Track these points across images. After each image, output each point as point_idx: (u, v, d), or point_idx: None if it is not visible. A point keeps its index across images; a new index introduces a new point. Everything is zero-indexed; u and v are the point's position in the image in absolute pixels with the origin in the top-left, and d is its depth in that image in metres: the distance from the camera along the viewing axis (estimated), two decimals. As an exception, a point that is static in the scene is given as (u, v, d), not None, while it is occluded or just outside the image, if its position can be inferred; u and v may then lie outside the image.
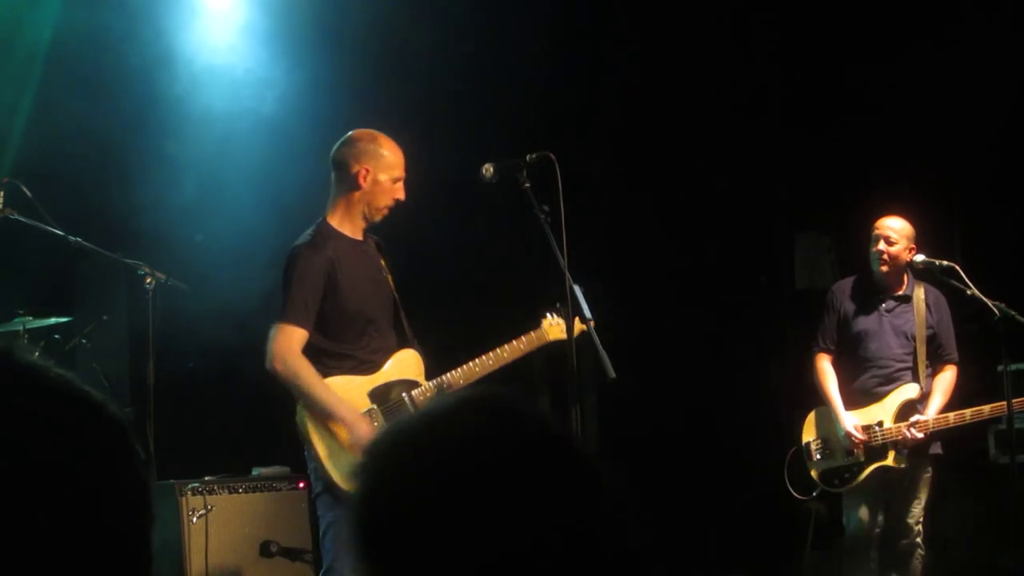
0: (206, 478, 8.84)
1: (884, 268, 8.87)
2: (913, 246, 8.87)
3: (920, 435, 8.61)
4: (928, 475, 8.84)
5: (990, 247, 10.16)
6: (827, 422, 8.99)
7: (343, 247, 6.86)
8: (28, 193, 8.14)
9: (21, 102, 9.61)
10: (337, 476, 6.60)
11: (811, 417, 9.12)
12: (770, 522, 10.52)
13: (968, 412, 8.59)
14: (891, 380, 8.86)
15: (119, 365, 9.92)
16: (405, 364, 6.93)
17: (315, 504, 6.85)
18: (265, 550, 8.88)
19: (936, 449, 8.82)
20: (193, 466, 8.96)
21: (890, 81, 10.90)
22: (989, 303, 8.36)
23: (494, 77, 10.69)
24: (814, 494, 9.01)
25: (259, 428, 10.46)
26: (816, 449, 9.03)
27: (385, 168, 6.81)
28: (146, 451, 8.53)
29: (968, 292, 8.46)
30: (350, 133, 6.96)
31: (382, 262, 7.07)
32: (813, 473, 9.02)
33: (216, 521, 8.67)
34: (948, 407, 8.73)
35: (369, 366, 6.84)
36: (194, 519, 8.57)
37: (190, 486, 8.64)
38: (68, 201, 8.87)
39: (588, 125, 10.93)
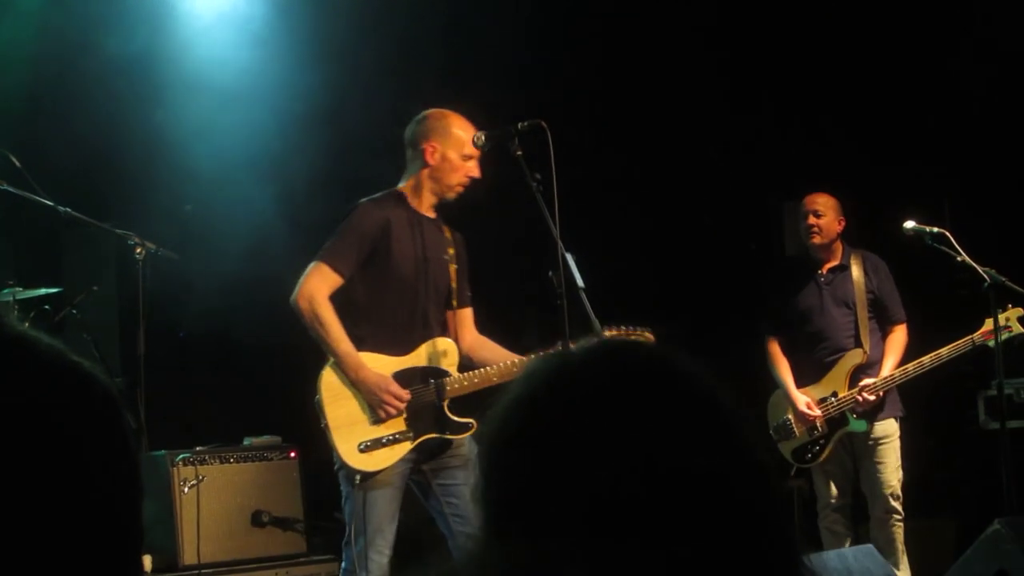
0: (197, 448, 8.84)
1: (816, 240, 9.04)
2: (842, 218, 9.07)
3: (871, 397, 8.72)
4: (892, 439, 8.91)
5: (980, 214, 10.15)
6: (785, 403, 9.13)
7: (406, 215, 6.82)
8: (17, 163, 8.13)
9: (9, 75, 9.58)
10: (345, 452, 6.57)
11: (772, 399, 9.25)
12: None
13: (926, 358, 8.69)
14: (838, 350, 8.98)
15: (109, 335, 9.94)
16: (440, 352, 6.80)
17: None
18: (257, 520, 8.88)
19: (896, 411, 8.89)
20: (184, 436, 8.96)
21: (880, 51, 10.89)
22: (980, 269, 8.38)
23: (483, 48, 10.69)
24: (792, 473, 9.13)
25: (250, 398, 10.50)
26: (782, 429, 9.12)
27: (454, 145, 6.78)
28: (137, 421, 8.56)
29: (958, 259, 8.48)
30: (423, 112, 6.94)
31: (451, 250, 6.99)
32: (785, 452, 9.11)
33: (207, 491, 8.67)
34: (907, 361, 8.80)
35: (402, 345, 6.75)
36: (185, 489, 8.57)
37: (181, 456, 8.64)
38: (57, 171, 8.87)
39: (578, 94, 10.91)
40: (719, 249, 11.49)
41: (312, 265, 6.64)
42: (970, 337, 8.60)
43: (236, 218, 9.75)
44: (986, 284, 8.36)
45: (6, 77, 9.48)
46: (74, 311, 8.91)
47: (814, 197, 9.09)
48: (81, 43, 9.62)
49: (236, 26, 10.22)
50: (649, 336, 6.99)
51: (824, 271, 9.11)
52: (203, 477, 8.66)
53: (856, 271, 9.05)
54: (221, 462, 8.86)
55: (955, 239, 8.54)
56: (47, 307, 8.78)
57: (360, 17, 10.23)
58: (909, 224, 8.70)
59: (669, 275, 11.47)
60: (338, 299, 6.62)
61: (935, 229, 8.64)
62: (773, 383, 9.20)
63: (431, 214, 6.93)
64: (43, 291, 8.75)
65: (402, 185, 6.94)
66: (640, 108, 11.25)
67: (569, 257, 6.23)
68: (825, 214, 9.00)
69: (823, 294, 9.07)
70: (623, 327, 6.99)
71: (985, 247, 8.65)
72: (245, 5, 10.24)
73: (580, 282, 6.19)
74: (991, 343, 8.51)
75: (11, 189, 8.11)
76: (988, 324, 8.52)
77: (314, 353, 7.05)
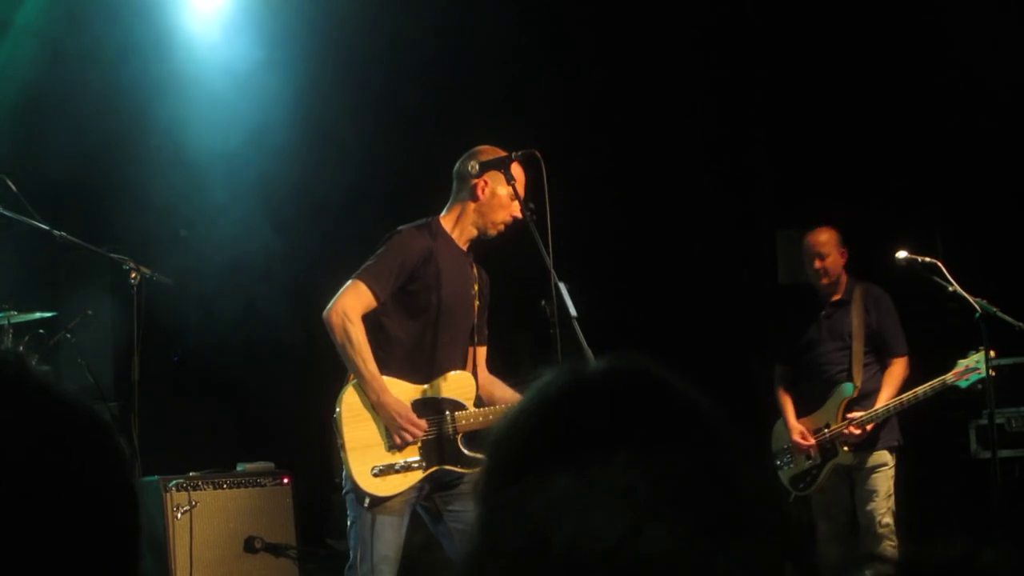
0: (190, 474, 8.84)
1: (825, 281, 9.13)
2: (844, 249, 9.13)
3: (856, 432, 8.79)
4: (885, 467, 8.99)
5: (972, 245, 10.18)
6: (786, 432, 9.26)
7: (446, 247, 6.80)
8: (13, 187, 8.14)
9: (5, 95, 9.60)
10: (358, 474, 6.53)
11: (776, 427, 9.39)
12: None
13: (906, 396, 8.74)
14: (832, 383, 9.08)
15: (103, 360, 9.93)
16: (458, 385, 6.79)
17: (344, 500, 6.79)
18: (249, 546, 8.89)
19: (892, 441, 8.95)
20: (178, 461, 8.95)
21: (875, 81, 10.92)
22: (971, 300, 8.42)
23: (477, 75, 10.73)
24: (789, 500, 9.21)
25: (244, 423, 10.50)
26: (781, 457, 9.28)
27: (504, 184, 6.74)
28: (130, 446, 8.54)
29: (950, 289, 8.51)
30: (476, 147, 6.89)
31: (475, 286, 7.00)
32: (784, 479, 9.27)
33: (200, 517, 8.68)
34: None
35: (423, 374, 6.74)
36: (178, 515, 8.58)
37: (174, 482, 8.64)
38: (53, 196, 8.89)
39: (570, 121, 10.93)
40: (712, 276, 11.49)
41: (349, 283, 6.60)
42: (942, 378, 8.66)
43: (231, 244, 9.75)
44: (977, 314, 8.40)
45: (1, 97, 9.51)
46: (68, 335, 8.91)
47: (816, 237, 9.12)
48: (77, 67, 9.63)
49: (236, 50, 10.25)
50: None
51: (826, 305, 9.20)
52: (196, 503, 8.66)
53: (857, 305, 9.11)
54: (214, 488, 8.86)
55: (947, 270, 8.57)
56: (42, 331, 8.77)
57: (352, 46, 10.26)
58: (901, 254, 8.73)
59: (662, 303, 11.47)
60: (367, 321, 6.62)
61: (927, 259, 8.67)
62: (771, 411, 9.31)
63: (465, 248, 6.93)
64: (38, 315, 8.74)
65: (443, 216, 6.91)
66: (633, 136, 11.27)
67: (563, 286, 6.24)
68: (829, 253, 9.07)
69: (822, 328, 9.17)
70: None
71: (976, 278, 8.68)
72: (247, 29, 10.26)
73: (573, 311, 6.19)
74: (962, 383, 8.59)
75: (7, 213, 8.12)
76: (959, 365, 8.61)
77: (310, 381, 7.08)
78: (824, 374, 9.12)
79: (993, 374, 8.51)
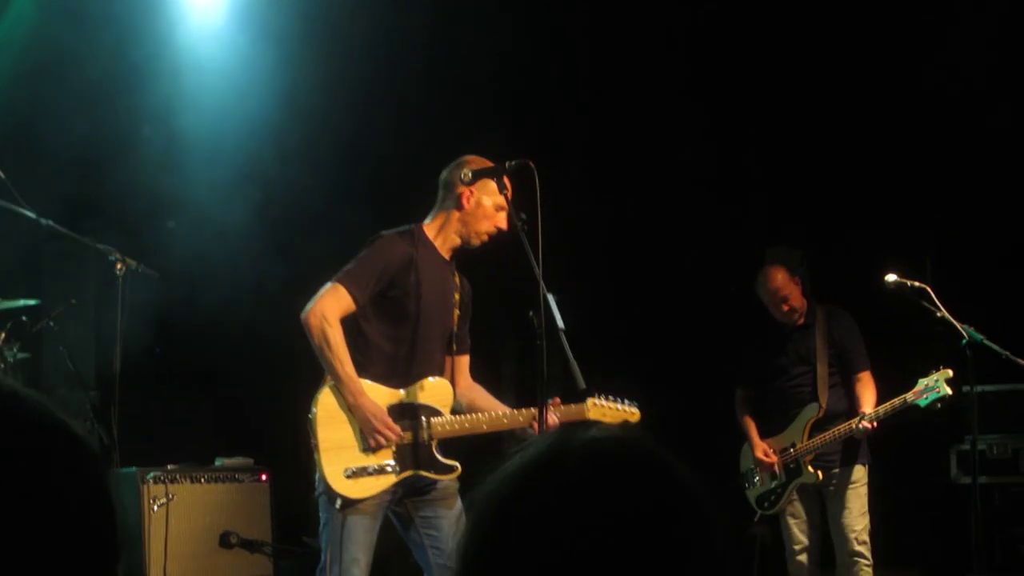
0: (168, 467, 8.82)
1: (795, 316, 9.24)
2: (796, 278, 9.25)
3: (868, 425, 8.74)
4: (857, 483, 9.05)
5: (961, 272, 10.17)
6: (750, 452, 9.35)
7: (427, 255, 6.82)
8: (1, 175, 8.11)
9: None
10: (331, 475, 6.53)
11: (744, 448, 9.45)
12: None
13: (880, 408, 8.74)
14: (798, 403, 9.16)
15: (86, 349, 9.91)
16: (435, 392, 6.79)
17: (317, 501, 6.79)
18: (225, 541, 8.88)
19: (864, 458, 9.04)
20: (156, 454, 8.93)
21: (866, 98, 10.91)
22: (958, 326, 8.43)
23: (470, 81, 10.72)
24: (755, 519, 9.26)
25: (224, 418, 10.47)
26: (748, 477, 9.37)
27: (490, 193, 6.76)
28: (109, 437, 8.52)
29: (938, 314, 8.52)
30: (463, 157, 6.90)
31: (456, 295, 6.99)
32: (750, 498, 9.36)
33: (177, 510, 8.67)
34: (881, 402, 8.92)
35: (401, 379, 6.74)
36: (155, 507, 8.56)
37: (152, 474, 8.63)
38: (40, 184, 8.85)
39: (558, 133, 10.91)
40: (700, 291, 11.48)
41: (329, 285, 6.60)
42: (903, 396, 8.69)
43: (218, 239, 9.73)
44: (964, 341, 8.41)
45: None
46: (51, 324, 8.88)
47: (773, 284, 9.19)
48: (70, 56, 9.60)
49: (227, 41, 10.23)
50: (636, 412, 7.15)
51: (791, 331, 9.26)
52: (173, 496, 8.65)
53: (820, 328, 9.20)
54: (191, 481, 8.85)
55: (936, 294, 8.57)
56: (25, 319, 8.74)
57: (346, 40, 10.24)
58: (891, 277, 8.74)
59: (649, 317, 11.46)
60: (346, 324, 6.61)
61: (916, 284, 8.68)
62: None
63: (447, 256, 6.93)
64: (21, 302, 8.71)
65: (427, 223, 6.92)
66: (625, 150, 11.26)
67: (551, 297, 6.22)
68: (790, 293, 9.17)
69: (787, 350, 9.24)
70: (611, 398, 7.05)
71: (965, 305, 8.68)
72: (239, 18, 10.23)
73: (560, 323, 6.18)
74: (920, 402, 8.62)
75: (-6, 201, 8.11)
76: (920, 384, 8.64)
77: (292, 378, 7.05)
78: (791, 396, 9.19)
79: (951, 392, 8.52)
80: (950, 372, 8.54)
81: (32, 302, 8.82)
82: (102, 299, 9.30)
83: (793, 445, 9.08)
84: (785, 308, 9.15)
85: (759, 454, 9.18)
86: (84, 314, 9.73)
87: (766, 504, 9.24)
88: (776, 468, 9.13)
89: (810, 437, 9.01)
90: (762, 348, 9.39)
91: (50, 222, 8.38)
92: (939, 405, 8.63)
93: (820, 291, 9.42)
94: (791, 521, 9.21)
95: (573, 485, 1.68)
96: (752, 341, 9.57)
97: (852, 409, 8.94)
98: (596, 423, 6.98)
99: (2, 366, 8.37)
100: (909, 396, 8.64)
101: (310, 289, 6.66)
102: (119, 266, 8.45)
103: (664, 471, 1.74)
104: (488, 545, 1.71)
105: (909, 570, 10.23)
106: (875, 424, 8.74)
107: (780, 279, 9.16)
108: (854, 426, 8.79)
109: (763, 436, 9.26)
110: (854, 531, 8.96)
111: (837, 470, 9.03)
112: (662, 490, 1.71)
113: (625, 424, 7.05)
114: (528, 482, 1.72)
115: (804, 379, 9.16)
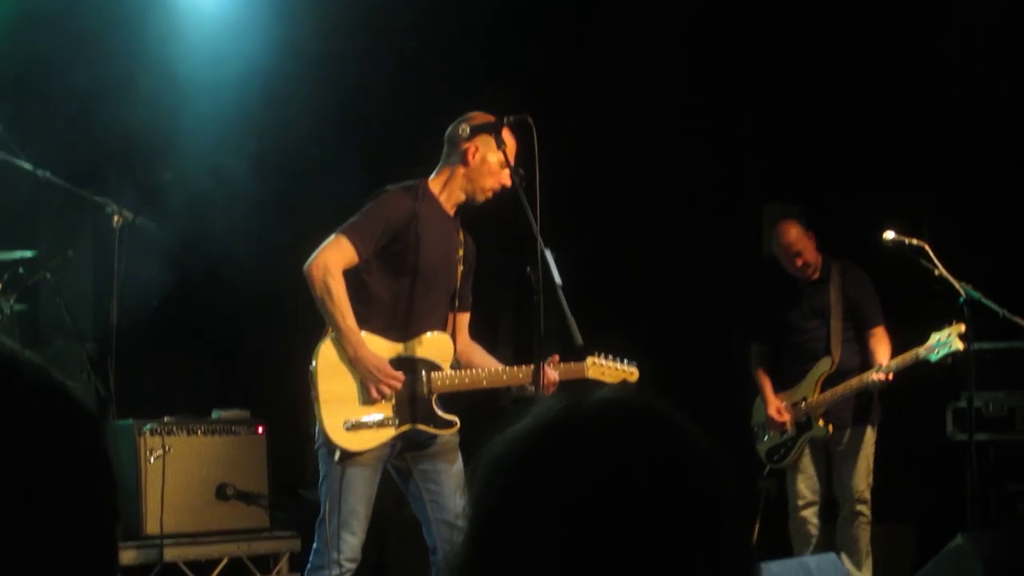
0: (165, 419, 8.82)
1: (809, 271, 9.27)
2: (810, 233, 9.25)
3: (883, 377, 8.78)
4: (867, 442, 9.14)
5: (959, 229, 10.16)
6: (763, 406, 9.41)
7: (432, 211, 6.80)
8: (-1, 125, 8.11)
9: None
10: (330, 427, 6.57)
11: (756, 402, 9.52)
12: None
13: (893, 362, 8.79)
14: (811, 358, 9.22)
15: (83, 302, 9.89)
16: (435, 346, 6.81)
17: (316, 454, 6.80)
18: (221, 493, 8.88)
19: (875, 418, 9.14)
20: (153, 406, 8.93)
21: (864, 56, 10.88)
22: (956, 284, 8.44)
23: (470, 42, 10.70)
24: (764, 473, 9.31)
25: (221, 371, 10.46)
26: (759, 430, 9.45)
27: (495, 150, 6.73)
28: (106, 389, 8.53)
29: (936, 272, 8.52)
30: (469, 113, 6.88)
31: (460, 251, 6.99)
32: (760, 452, 9.45)
33: (173, 462, 8.67)
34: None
35: (402, 332, 6.76)
36: (151, 459, 8.56)
37: (148, 426, 8.62)
38: (36, 135, 8.82)
39: (553, 88, 10.86)
40: (696, 248, 11.47)
41: (332, 237, 6.61)
42: (915, 350, 8.71)
43: (215, 190, 9.70)
44: (961, 299, 8.42)
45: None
46: (48, 276, 8.85)
47: (787, 238, 9.22)
48: (66, 3, 9.55)
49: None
50: (635, 372, 7.14)
51: (804, 285, 9.28)
52: (169, 448, 8.65)
53: (835, 282, 9.22)
54: (188, 433, 8.85)
55: (934, 252, 8.58)
56: (21, 270, 8.71)
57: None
58: (889, 235, 8.74)
59: (646, 273, 11.44)
60: (349, 277, 6.61)
61: (914, 241, 8.68)
62: (748, 382, 9.41)
63: (451, 212, 6.92)
64: (17, 254, 8.68)
65: (432, 179, 6.91)
66: (621, 106, 11.22)
67: (548, 254, 6.22)
68: (804, 248, 9.18)
69: (802, 305, 9.26)
70: (610, 357, 7.05)
71: (962, 262, 8.68)
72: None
73: (558, 279, 6.19)
74: (932, 356, 8.64)
75: (-9, 152, 8.09)
76: (932, 338, 8.66)
77: (289, 331, 7.06)
78: (804, 350, 9.24)
79: (963, 347, 8.53)
80: (963, 327, 8.54)
81: (29, 254, 8.79)
82: (99, 251, 9.27)
83: (804, 399, 9.14)
84: (799, 263, 9.17)
85: (771, 411, 9.23)
86: (81, 266, 9.71)
87: (776, 458, 9.32)
88: (787, 424, 9.18)
89: (822, 391, 9.06)
90: (776, 302, 9.42)
91: (47, 173, 8.37)
92: (950, 360, 8.67)
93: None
94: (798, 476, 9.28)
95: (583, 446, 1.69)
96: (766, 295, 9.64)
97: (865, 364, 8.98)
98: (604, 385, 7.04)
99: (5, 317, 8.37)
100: (921, 350, 8.68)
101: (308, 240, 6.67)
102: (116, 218, 8.44)
103: (673, 431, 1.74)
104: (498, 507, 1.71)
105: (905, 526, 10.25)
106: (890, 377, 8.77)
107: (794, 233, 9.17)
108: (871, 378, 8.81)
109: (776, 391, 9.31)
110: (859, 490, 9.09)
111: (848, 429, 9.11)
112: (671, 449, 1.71)
113: (624, 384, 7.08)
114: (537, 444, 1.72)
115: (817, 333, 9.20)
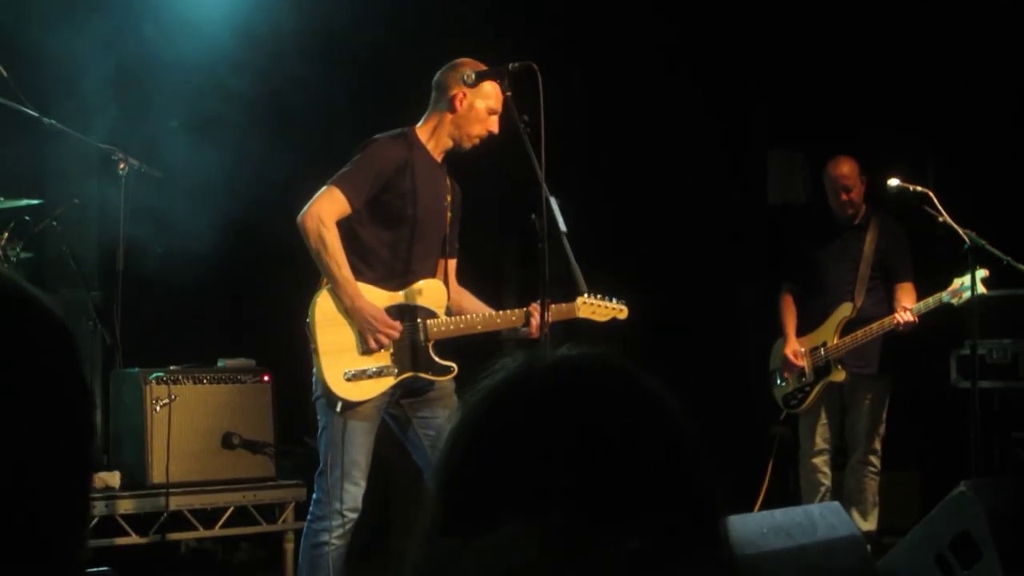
0: (171, 367, 8.83)
1: (851, 211, 9.28)
2: (864, 178, 9.27)
3: (910, 319, 8.83)
4: (877, 394, 9.22)
5: (964, 177, 10.15)
6: (782, 349, 9.42)
7: (421, 158, 6.84)
8: (4, 72, 8.09)
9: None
10: (330, 378, 6.60)
11: (775, 346, 9.55)
12: (731, 446, 10.61)
13: (945, 293, 8.78)
14: (833, 302, 9.26)
15: (89, 249, 9.89)
16: (430, 293, 6.86)
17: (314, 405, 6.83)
18: (227, 441, 8.89)
19: (888, 366, 9.25)
20: (159, 355, 8.94)
21: (869, 6, 10.85)
22: (960, 231, 8.44)
23: None
24: (780, 418, 9.34)
25: (227, 319, 10.46)
26: (777, 375, 9.46)
27: (482, 96, 6.79)
28: (112, 337, 8.55)
29: (940, 219, 8.53)
30: (456, 60, 6.92)
31: (449, 197, 7.02)
32: (777, 397, 9.48)
33: (179, 411, 8.67)
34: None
35: (396, 282, 6.80)
36: (157, 408, 8.58)
37: (155, 375, 8.63)
38: (42, 82, 8.82)
39: (558, 36, 10.82)
40: (703, 196, 11.46)
41: (325, 188, 6.64)
42: (939, 295, 8.73)
43: (222, 138, 9.68)
44: (966, 246, 8.42)
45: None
46: (54, 223, 8.85)
47: (840, 170, 9.24)
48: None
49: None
50: (624, 309, 7.21)
51: (842, 229, 9.33)
52: (175, 396, 8.66)
53: (872, 231, 9.25)
54: (194, 382, 8.86)
55: (938, 199, 8.58)
56: (27, 218, 8.72)
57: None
58: (893, 182, 8.75)
59: (651, 220, 11.44)
60: (341, 228, 6.63)
61: (918, 188, 8.68)
62: (754, 332, 9.45)
63: (439, 159, 6.95)
64: (24, 202, 8.69)
65: (419, 126, 6.95)
66: (627, 53, 11.18)
67: (553, 201, 6.23)
68: (854, 185, 9.21)
69: (835, 248, 9.30)
70: (600, 296, 7.08)
71: (967, 209, 8.68)
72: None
73: (563, 227, 6.20)
74: (955, 301, 8.66)
75: (-2, 99, 8.09)
76: (955, 283, 8.69)
77: (294, 279, 7.07)
78: (828, 293, 9.27)
79: (986, 292, 8.54)
80: (986, 272, 8.55)
81: (35, 202, 8.79)
82: (105, 199, 9.26)
83: (824, 344, 9.17)
84: (845, 198, 9.19)
85: (788, 351, 9.27)
86: (87, 214, 9.71)
87: (793, 402, 9.35)
88: (805, 368, 9.20)
89: (842, 337, 9.08)
90: (810, 243, 9.45)
91: (53, 121, 8.37)
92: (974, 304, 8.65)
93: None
94: (812, 423, 9.33)
95: (540, 400, 1.73)
96: (799, 236, 9.66)
97: (887, 314, 8.97)
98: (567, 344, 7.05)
99: (6, 265, 8.37)
100: (945, 294, 8.73)
101: (311, 189, 6.67)
102: (122, 166, 8.46)
103: (630, 383, 1.77)
104: (462, 463, 1.74)
105: (909, 473, 10.29)
106: (916, 319, 8.81)
107: (848, 168, 9.20)
108: (895, 320, 8.84)
109: (799, 332, 9.34)
110: (869, 439, 9.16)
111: (864, 379, 9.18)
112: (627, 402, 1.74)
113: (614, 321, 7.14)
114: (499, 400, 1.75)
115: (844, 277, 9.23)
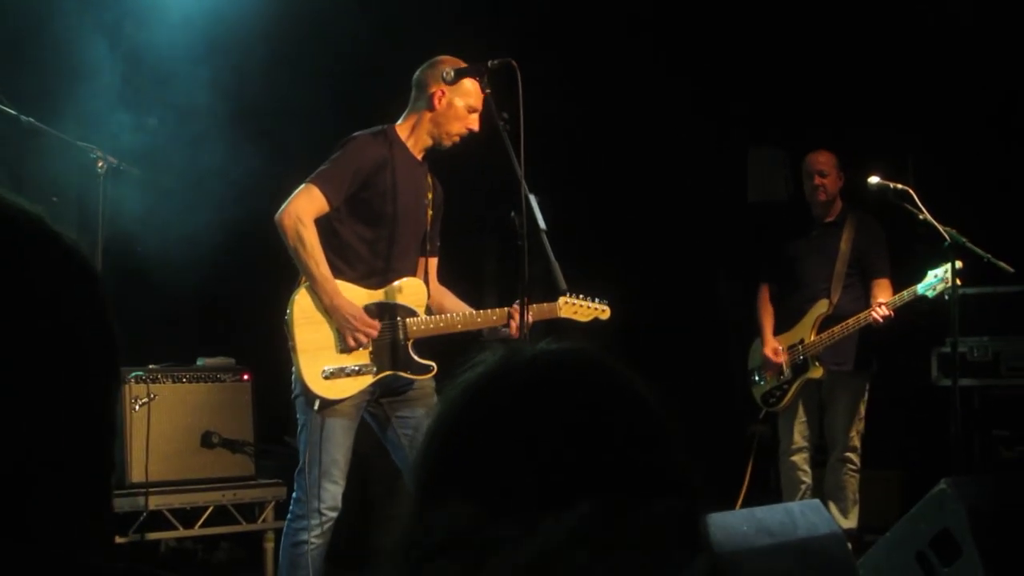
0: (150, 366, 8.81)
1: (822, 198, 9.33)
2: (842, 173, 9.36)
3: (886, 313, 8.85)
4: (856, 391, 9.26)
5: (944, 174, 10.16)
6: (760, 348, 9.47)
7: (400, 156, 6.84)
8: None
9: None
10: (309, 376, 6.58)
11: (754, 345, 9.59)
12: (712, 445, 10.61)
13: (919, 285, 8.79)
14: (809, 299, 9.31)
15: (66, 248, 9.83)
16: (410, 292, 6.85)
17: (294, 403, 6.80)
18: (207, 441, 8.89)
19: (867, 363, 9.30)
20: (137, 353, 8.91)
21: (850, 4, 10.86)
22: (940, 229, 8.45)
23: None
24: (760, 417, 9.35)
25: (206, 318, 10.44)
26: (756, 373, 9.50)
27: (462, 94, 6.79)
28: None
29: (920, 216, 8.53)
30: (436, 57, 6.92)
31: (429, 195, 7.01)
32: (756, 395, 9.51)
33: (158, 410, 8.67)
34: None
35: (376, 280, 6.78)
36: (136, 407, 8.56)
37: (133, 374, 8.62)
38: (19, 80, 8.78)
39: (538, 32, 10.81)
40: (682, 193, 11.46)
41: (303, 186, 6.62)
42: (913, 287, 8.79)
43: (200, 135, 9.66)
44: (946, 243, 8.43)
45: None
46: (32, 222, 8.80)
47: (817, 157, 9.34)
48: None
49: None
50: (607, 310, 7.20)
51: (817, 225, 9.38)
52: (154, 395, 8.65)
53: (848, 229, 9.30)
54: (173, 381, 8.85)
55: (918, 197, 8.58)
56: (4, 217, 8.66)
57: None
58: (873, 179, 8.76)
59: (631, 217, 11.44)
60: (320, 226, 6.62)
61: (899, 186, 8.69)
62: (735, 327, 9.47)
63: (419, 157, 6.94)
64: (1, 201, 8.63)
65: (399, 124, 6.95)
66: (606, 50, 11.17)
67: (533, 199, 6.22)
68: (829, 173, 9.28)
69: (810, 245, 9.34)
70: (582, 296, 7.08)
71: (947, 208, 8.68)
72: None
73: (543, 224, 6.19)
74: (930, 294, 8.68)
75: (-26, 97, 8.04)
76: (929, 275, 8.73)
77: (274, 278, 7.04)
78: (805, 290, 9.31)
79: (959, 282, 8.53)
80: (959, 263, 8.56)
81: (12, 200, 8.74)
82: (83, 197, 9.22)
83: (801, 341, 9.21)
84: (818, 182, 9.26)
85: (768, 351, 9.31)
86: (65, 212, 9.67)
87: (771, 400, 9.38)
88: (784, 366, 9.23)
89: (818, 333, 9.12)
90: (786, 240, 9.48)
91: (31, 119, 8.33)
92: (947, 297, 8.60)
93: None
94: (790, 421, 9.36)
95: (520, 394, 1.73)
96: (776, 233, 9.68)
97: (863, 310, 8.98)
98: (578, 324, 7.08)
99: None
100: (919, 287, 8.74)
101: (290, 187, 6.65)
102: (100, 164, 8.41)
103: (610, 377, 1.77)
104: (440, 456, 1.75)
105: (889, 471, 10.30)
106: (891, 313, 8.82)
107: (825, 157, 9.32)
108: (871, 315, 8.86)
109: (776, 332, 9.38)
110: (849, 435, 9.18)
111: (842, 376, 9.20)
112: (606, 396, 1.75)
113: (596, 321, 7.14)
114: (479, 393, 1.76)
115: (820, 274, 9.27)
